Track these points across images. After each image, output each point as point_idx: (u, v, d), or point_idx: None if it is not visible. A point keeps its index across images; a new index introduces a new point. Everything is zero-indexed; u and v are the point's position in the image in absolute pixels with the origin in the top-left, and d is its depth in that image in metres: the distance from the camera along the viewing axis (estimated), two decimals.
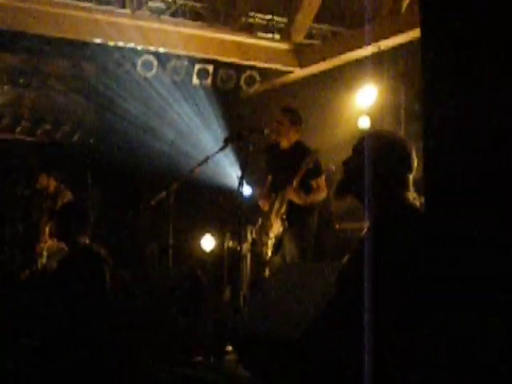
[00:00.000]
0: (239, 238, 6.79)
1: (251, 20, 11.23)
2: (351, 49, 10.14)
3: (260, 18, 11.28)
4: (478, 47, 2.29)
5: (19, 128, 11.64)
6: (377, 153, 3.25)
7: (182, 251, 9.47)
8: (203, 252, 10.53)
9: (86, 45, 10.65)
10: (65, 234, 5.99)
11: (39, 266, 8.21)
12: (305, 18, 10.91)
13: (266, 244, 6.89)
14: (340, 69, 10.62)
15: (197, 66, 11.52)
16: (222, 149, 6.76)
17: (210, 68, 11.60)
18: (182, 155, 9.88)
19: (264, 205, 7.04)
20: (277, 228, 6.80)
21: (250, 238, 7.30)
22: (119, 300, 6.28)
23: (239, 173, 6.32)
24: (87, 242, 5.90)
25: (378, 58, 9.66)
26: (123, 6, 10.46)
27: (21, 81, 11.42)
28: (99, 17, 10.33)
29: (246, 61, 11.40)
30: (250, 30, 11.21)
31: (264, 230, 6.96)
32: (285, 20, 11.21)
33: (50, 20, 10.07)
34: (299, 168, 6.64)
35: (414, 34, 8.39)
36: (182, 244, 9.39)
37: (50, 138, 11.72)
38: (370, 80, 9.59)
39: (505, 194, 2.17)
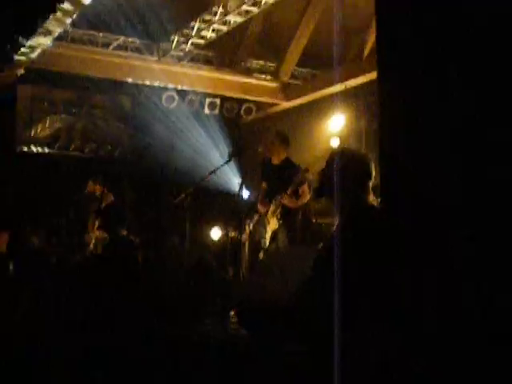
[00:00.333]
0: (239, 229, 6.80)
1: (249, 65, 11.25)
2: (325, 87, 10.16)
3: (256, 63, 11.30)
4: (420, 87, 2.34)
5: (72, 146, 11.61)
6: (344, 165, 3.26)
7: (195, 240, 9.44)
8: (212, 240, 10.51)
9: (123, 83, 10.65)
10: (108, 227, 6.01)
11: (88, 251, 8.20)
12: (290, 64, 10.94)
13: (264, 236, 6.88)
14: (317, 102, 10.62)
15: (208, 100, 11.55)
16: (226, 162, 6.73)
17: (218, 101, 11.63)
18: (197, 167, 9.86)
19: (261, 207, 7.03)
20: (273, 224, 6.77)
21: (247, 229, 7.27)
22: (147, 275, 6.27)
23: (240, 180, 6.30)
24: (124, 233, 5.93)
25: (346, 94, 9.68)
26: (152, 54, 10.49)
27: (73, 111, 11.43)
28: (133, 62, 10.36)
29: (245, 96, 11.43)
30: (248, 72, 11.22)
31: (261, 224, 6.94)
32: (275, 65, 11.23)
33: (95, 64, 10.10)
34: (291, 180, 6.63)
35: (373, 75, 8.39)
36: (195, 234, 9.35)
37: (96, 154, 11.69)
38: (340, 110, 9.60)
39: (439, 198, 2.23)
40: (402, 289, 2.27)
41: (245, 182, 6.25)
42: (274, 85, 11.20)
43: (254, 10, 8.66)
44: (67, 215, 9.40)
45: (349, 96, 9.68)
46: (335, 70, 9.23)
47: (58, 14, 7.87)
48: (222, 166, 6.80)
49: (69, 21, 8.28)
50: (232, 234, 9.28)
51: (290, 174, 6.69)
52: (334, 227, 3.30)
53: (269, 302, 4.04)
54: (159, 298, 5.42)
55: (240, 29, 10.00)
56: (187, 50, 10.31)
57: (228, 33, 9.62)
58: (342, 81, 9.35)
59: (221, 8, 8.93)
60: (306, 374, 2.95)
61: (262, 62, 11.32)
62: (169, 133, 11.21)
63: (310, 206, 7.37)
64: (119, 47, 10.26)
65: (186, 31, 9.85)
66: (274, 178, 6.96)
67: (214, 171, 6.79)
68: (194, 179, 7.71)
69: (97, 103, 11.63)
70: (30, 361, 3.91)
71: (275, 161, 7.01)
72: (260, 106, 11.85)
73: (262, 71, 11.32)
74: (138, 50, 10.37)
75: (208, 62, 10.98)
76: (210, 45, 10.28)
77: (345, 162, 3.29)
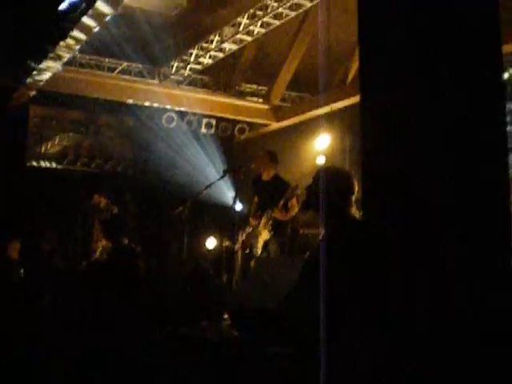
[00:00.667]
0: (233, 239, 6.78)
1: (243, 88, 11.30)
2: (312, 109, 10.19)
3: (248, 87, 11.35)
4: (399, 112, 2.28)
5: (79, 162, 11.61)
6: (329, 181, 3.26)
7: (192, 249, 9.41)
8: (208, 249, 10.49)
9: (127, 104, 10.66)
10: (111, 236, 5.98)
11: (93, 258, 8.15)
12: (280, 88, 10.99)
13: (256, 246, 6.87)
14: (304, 123, 10.64)
15: (204, 120, 11.56)
16: (221, 177, 6.68)
17: (214, 121, 11.65)
18: (194, 182, 9.85)
19: (253, 220, 7.02)
20: (265, 235, 6.78)
21: (240, 239, 7.25)
22: (148, 281, 6.24)
23: (233, 194, 6.28)
24: (126, 242, 5.90)
25: (331, 116, 9.71)
26: (153, 78, 10.52)
27: (81, 129, 11.42)
28: (136, 85, 10.39)
29: (238, 117, 11.45)
30: (241, 95, 11.27)
31: (253, 235, 6.94)
32: (266, 88, 11.28)
33: (101, 87, 10.13)
34: (280, 195, 6.62)
35: (356, 99, 8.45)
36: (193, 244, 9.33)
37: (101, 169, 11.68)
38: (325, 131, 9.61)
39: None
40: (392, 291, 2.16)
41: (238, 196, 6.22)
42: (265, 107, 11.24)
43: (248, 38, 8.77)
44: (75, 226, 9.36)
45: (334, 117, 9.71)
46: (321, 94, 9.29)
47: (69, 40, 7.90)
48: (217, 180, 6.75)
49: (78, 47, 8.31)
50: (226, 243, 9.25)
51: (280, 189, 6.71)
52: (320, 237, 3.29)
53: (259, 306, 4.02)
54: (158, 302, 5.40)
55: (234, 55, 10.07)
56: (186, 74, 10.38)
57: (223, 59, 9.69)
58: (327, 104, 9.41)
59: (217, 36, 9.04)
60: (294, 375, 2.94)
61: (254, 86, 11.37)
62: (168, 150, 11.22)
63: (297, 218, 7.37)
64: (123, 71, 10.31)
65: (184, 57, 9.95)
66: (264, 192, 6.97)
67: (209, 186, 6.75)
68: (192, 193, 7.69)
69: (103, 123, 11.62)
70: (31, 361, 3.87)
71: (265, 177, 7.04)
72: (252, 126, 11.87)
73: (254, 94, 11.37)
74: (140, 74, 10.44)
75: (205, 85, 11.02)
76: (207, 70, 10.35)
77: (330, 178, 3.28)
